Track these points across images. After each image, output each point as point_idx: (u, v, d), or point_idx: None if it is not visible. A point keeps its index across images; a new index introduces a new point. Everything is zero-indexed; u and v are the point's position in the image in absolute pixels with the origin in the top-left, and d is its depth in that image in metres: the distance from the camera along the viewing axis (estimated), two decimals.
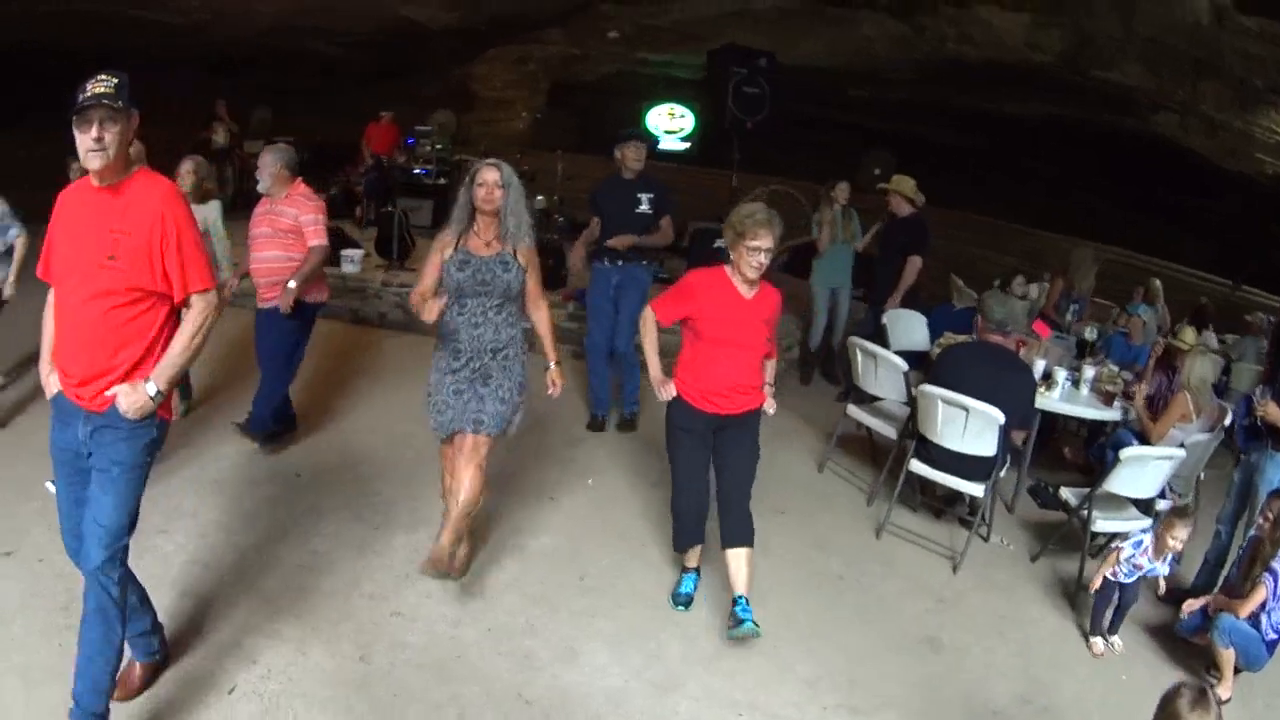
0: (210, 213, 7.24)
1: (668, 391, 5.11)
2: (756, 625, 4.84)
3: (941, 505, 6.67)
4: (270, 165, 6.57)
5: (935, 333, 7.99)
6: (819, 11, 13.51)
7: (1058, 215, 14.67)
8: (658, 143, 18.05)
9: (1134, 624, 5.57)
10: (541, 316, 5.14)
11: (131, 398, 3.58)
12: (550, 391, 5.15)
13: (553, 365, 5.16)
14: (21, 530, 5.33)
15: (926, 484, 6.32)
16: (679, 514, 5.26)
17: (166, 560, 4.28)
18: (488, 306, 4.91)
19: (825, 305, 9.39)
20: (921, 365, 7.19)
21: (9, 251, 7.04)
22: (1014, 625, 5.43)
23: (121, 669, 3.90)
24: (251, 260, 6.72)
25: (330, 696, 4.28)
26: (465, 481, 4.92)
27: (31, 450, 6.29)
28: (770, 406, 5.19)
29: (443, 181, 14.26)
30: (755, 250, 4.78)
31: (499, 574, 5.46)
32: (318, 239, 6.55)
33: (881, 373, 7.01)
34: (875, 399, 7.22)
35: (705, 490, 5.22)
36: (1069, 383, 6.94)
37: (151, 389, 3.61)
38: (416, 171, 14.77)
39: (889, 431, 6.79)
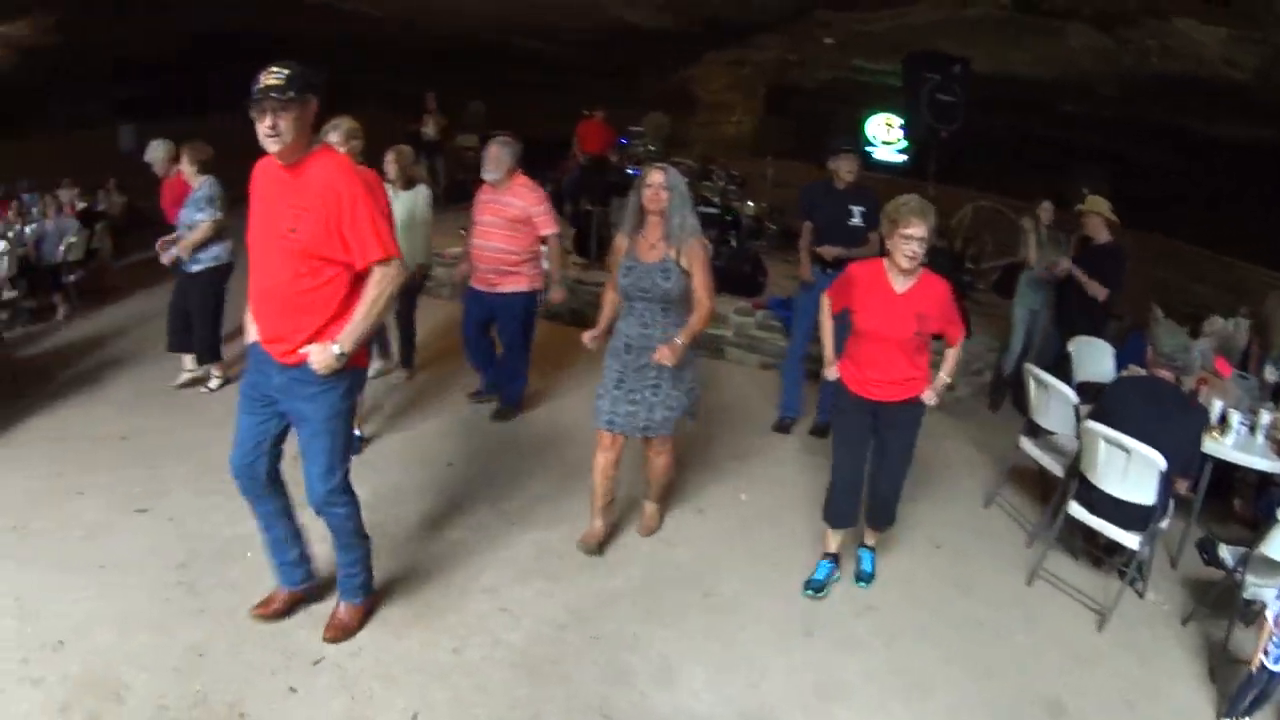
0: (417, 199, 7.83)
1: (831, 374, 5.43)
2: (870, 577, 5.61)
3: (1101, 553, 6.12)
4: (499, 157, 6.97)
5: (1123, 365, 7.40)
6: (1027, 22, 12.91)
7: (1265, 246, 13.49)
8: (871, 154, 17.67)
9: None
10: (698, 314, 5.24)
11: (320, 357, 3.98)
12: (658, 358, 5.14)
13: (678, 339, 5.14)
14: (163, 492, 5.95)
15: (1089, 529, 5.79)
16: (831, 486, 5.47)
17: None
18: (653, 310, 5.23)
19: (1024, 329, 8.85)
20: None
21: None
22: (1146, 696, 4.89)
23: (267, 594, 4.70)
24: (475, 247, 7.18)
25: (411, 681, 4.39)
26: (654, 466, 5.70)
27: (202, 420, 7.21)
28: (929, 397, 5.18)
29: None
30: (908, 239, 4.86)
31: (622, 581, 5.43)
32: (550, 228, 7.06)
33: (1053, 404, 6.49)
34: (1049, 431, 6.70)
35: (859, 470, 5.39)
36: (1244, 428, 6.23)
37: (337, 350, 3.99)
38: (629, 171, 14.66)
39: (1057, 468, 6.27)
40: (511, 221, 7.04)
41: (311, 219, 3.92)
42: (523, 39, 17.44)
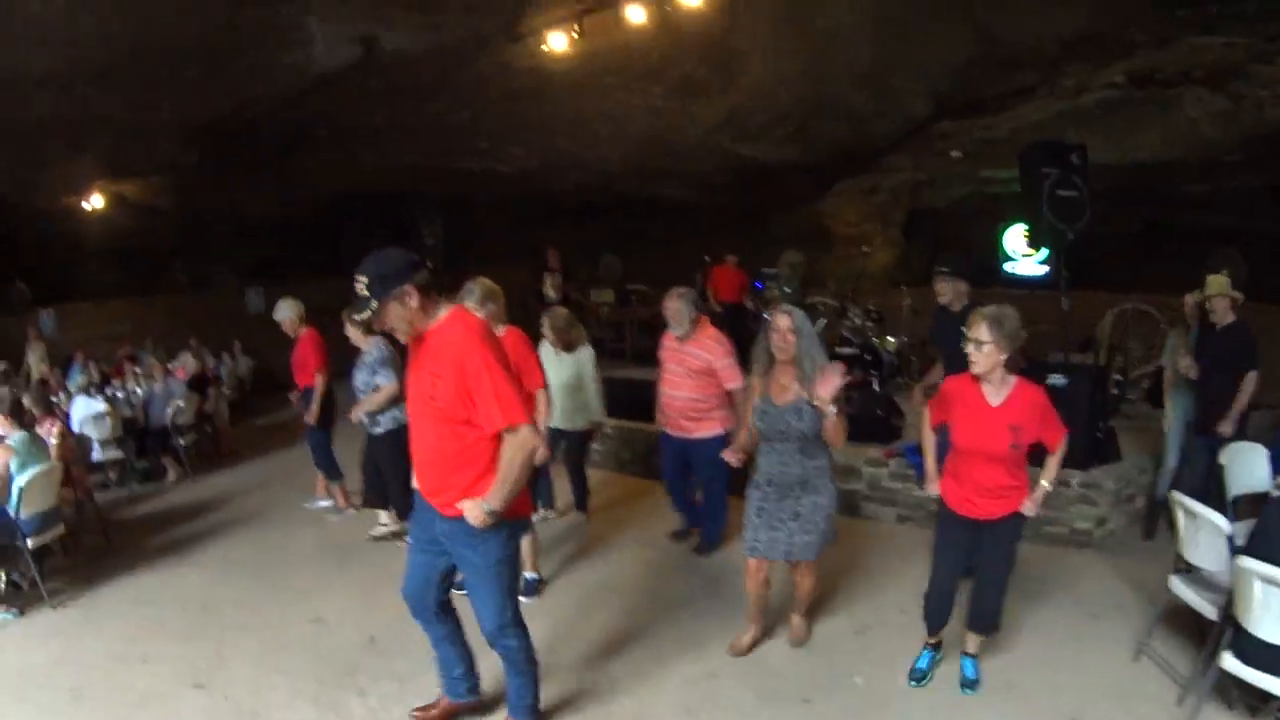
0: (581, 360, 8.10)
1: (931, 489, 5.41)
2: (974, 683, 5.39)
3: (1257, 701, 4.92)
4: (679, 311, 7.16)
5: (1278, 467, 6.31)
6: (1143, 97, 12.11)
7: None
8: (1009, 270, 16.68)
9: None
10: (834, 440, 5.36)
11: (474, 512, 4.22)
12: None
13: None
14: (225, 667, 5.99)
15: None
16: (925, 599, 5.47)
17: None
18: (790, 449, 5.43)
19: (1178, 444, 7.72)
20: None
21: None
22: None
23: (431, 701, 5.17)
24: (664, 395, 7.48)
25: None
26: (801, 586, 5.88)
27: (284, 594, 7.27)
28: (1029, 508, 5.08)
29: None
30: (968, 343, 4.88)
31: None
32: (734, 381, 7.09)
33: (1202, 535, 5.30)
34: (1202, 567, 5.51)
35: (954, 578, 5.37)
36: None
37: (487, 507, 4.20)
38: (765, 316, 14.01)
39: (1210, 611, 5.13)
40: (696, 373, 7.20)
41: (445, 386, 4.16)
42: (650, 185, 17.16)
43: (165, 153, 13.15)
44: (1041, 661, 5.68)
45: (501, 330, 6.34)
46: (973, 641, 5.46)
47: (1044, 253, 15.64)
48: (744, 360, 12.76)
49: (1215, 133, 12.54)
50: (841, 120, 13.88)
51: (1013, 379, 5.00)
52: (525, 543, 6.73)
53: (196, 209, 16.26)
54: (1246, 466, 6.44)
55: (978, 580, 5.32)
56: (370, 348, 7.96)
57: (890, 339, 11.97)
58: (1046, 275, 15.40)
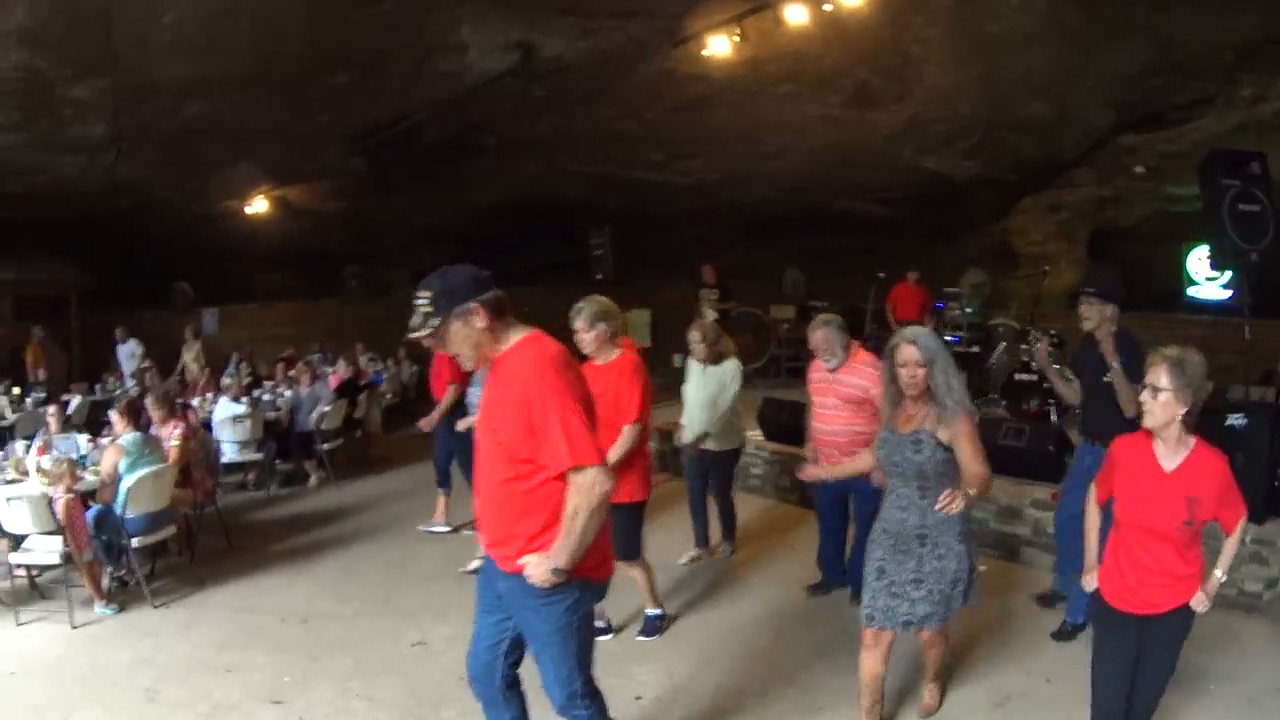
0: (725, 375, 7.80)
1: (1090, 583, 4.49)
2: None
3: None
4: (829, 340, 6.61)
5: None
6: None
7: None
8: (1192, 295, 15.76)
9: None
10: (975, 478, 4.55)
11: (537, 570, 3.71)
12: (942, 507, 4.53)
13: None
14: (309, 686, 5.83)
15: None
16: (1093, 706, 4.44)
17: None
18: (910, 489, 4.74)
19: None
20: None
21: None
22: None
23: None
24: (818, 433, 6.85)
25: None
26: (928, 652, 5.22)
27: (397, 613, 7.12)
28: (1200, 602, 4.09)
29: (975, 349, 12.95)
30: (1149, 389, 4.05)
31: None
32: None
33: None
34: None
35: (1116, 688, 4.31)
36: None
37: (551, 564, 3.70)
38: (947, 339, 13.53)
39: None
40: (850, 402, 6.60)
41: (511, 419, 3.76)
42: (833, 199, 16.93)
43: (327, 159, 13.44)
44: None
45: (615, 353, 6.12)
46: None
47: (1228, 276, 14.71)
48: None
49: None
50: (1022, 132, 13.52)
51: (1192, 440, 4.11)
52: (639, 575, 6.51)
53: (366, 215, 16.61)
54: None
55: (1134, 692, 4.32)
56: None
57: (1058, 367, 11.17)
58: (1230, 300, 14.48)
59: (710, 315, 13.75)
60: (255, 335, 16.69)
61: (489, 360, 3.91)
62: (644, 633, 6.62)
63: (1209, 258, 12.02)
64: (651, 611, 6.66)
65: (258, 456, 11.25)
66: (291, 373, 12.93)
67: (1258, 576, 6.91)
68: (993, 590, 6.92)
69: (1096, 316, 6.19)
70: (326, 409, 11.48)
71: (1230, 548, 4.19)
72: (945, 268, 15.59)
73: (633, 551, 6.34)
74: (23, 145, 11.31)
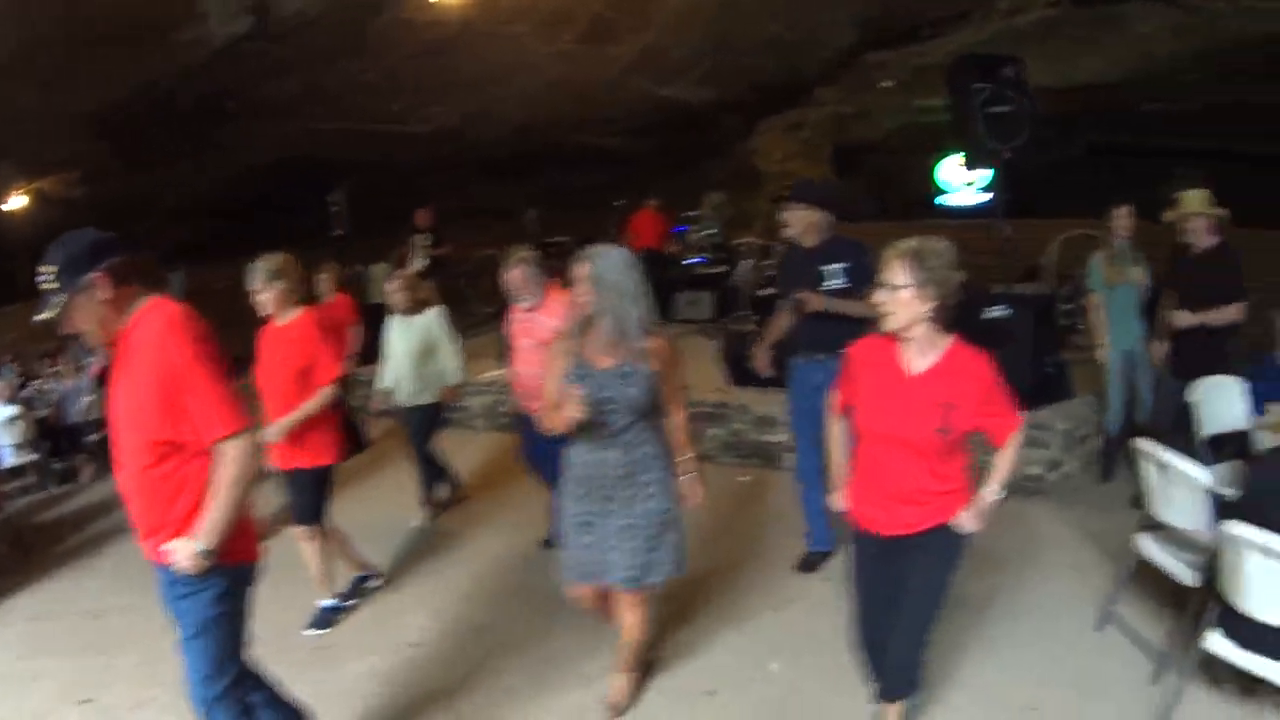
0: (430, 323, 7.55)
1: (838, 502, 4.10)
2: None
3: (1250, 682, 4.20)
4: (525, 279, 6.27)
5: (1259, 402, 5.76)
6: (1084, 16, 11.79)
7: None
8: (944, 202, 16.13)
9: None
10: (676, 420, 4.45)
11: (182, 555, 3.38)
12: (690, 502, 4.49)
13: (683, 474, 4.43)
14: (109, 682, 5.58)
15: None
16: (857, 649, 4.16)
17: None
18: (615, 427, 4.24)
19: (1120, 375, 7.11)
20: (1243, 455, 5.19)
21: None
22: None
23: None
24: (519, 376, 6.47)
25: None
26: (627, 626, 4.55)
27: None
28: (968, 520, 3.73)
29: (722, 269, 12.96)
30: (886, 287, 3.57)
31: None
32: None
33: (1175, 488, 4.58)
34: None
35: (877, 621, 3.99)
36: None
37: (196, 546, 3.37)
38: (690, 261, 13.62)
39: (1188, 576, 4.48)
40: (544, 344, 5.84)
41: (145, 396, 3.36)
42: (572, 134, 16.68)
43: (75, 143, 12.65)
44: (991, 639, 5.00)
45: (295, 312, 5.69)
46: (891, 711, 4.09)
47: (984, 180, 15.05)
48: (662, 310, 12.28)
49: (1166, 49, 12.20)
50: (762, 53, 13.50)
51: (945, 340, 3.65)
52: (311, 549, 5.92)
53: (119, 196, 15.57)
54: (1219, 403, 5.85)
55: (899, 610, 3.89)
56: None
57: None
58: (988, 204, 14.90)
59: (419, 262, 13.42)
60: (19, 336, 15.52)
61: (113, 336, 3.49)
62: (314, 625, 5.97)
63: (963, 159, 12.27)
64: (324, 602, 6.05)
65: (34, 457, 10.95)
66: (57, 367, 12.56)
67: (1038, 460, 7.13)
68: (752, 500, 7.22)
69: (799, 223, 5.75)
70: (90, 398, 11.27)
71: (1004, 462, 3.76)
72: (690, 193, 15.49)
73: (309, 517, 5.86)
74: None
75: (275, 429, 5.54)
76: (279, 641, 5.49)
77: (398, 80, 13.03)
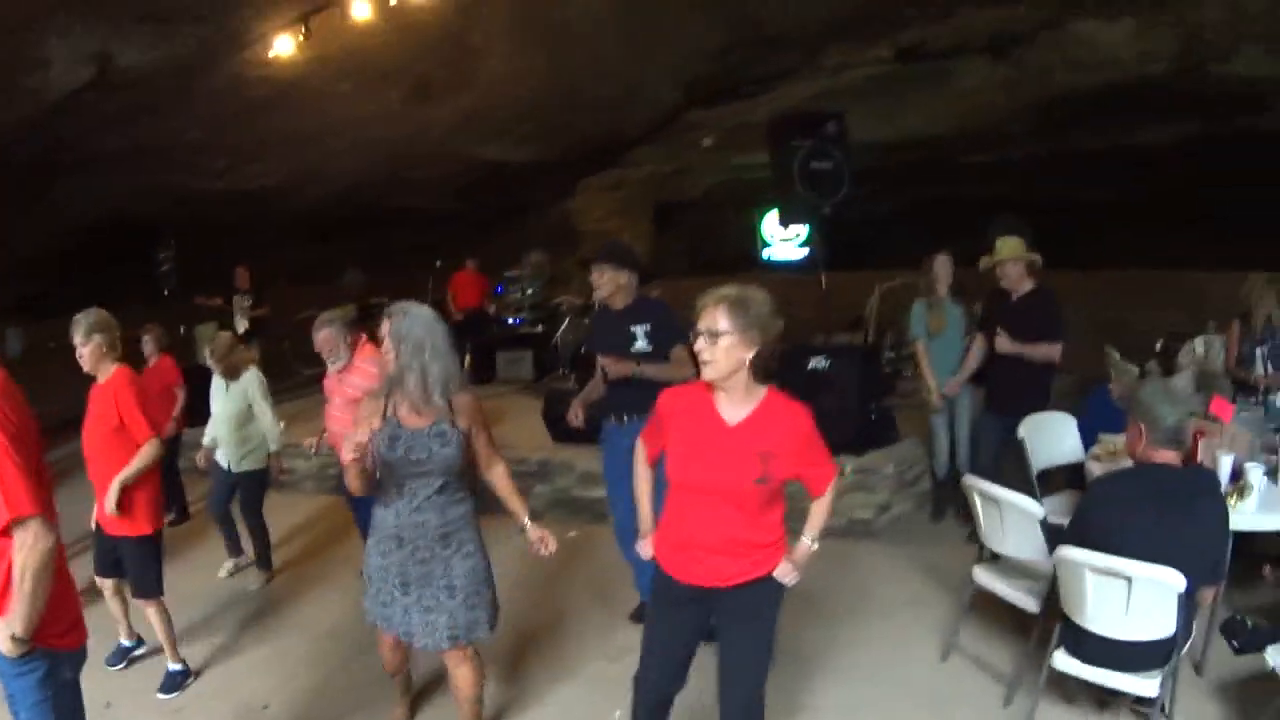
0: (247, 387, 7.35)
1: (645, 550, 3.94)
2: None
3: (1105, 694, 4.56)
4: (335, 338, 6.38)
5: (1089, 435, 6.07)
6: (911, 72, 12.13)
7: (1218, 252, 12.15)
8: (768, 256, 16.53)
9: None
10: (497, 474, 4.42)
11: None
12: (541, 552, 4.37)
13: (527, 524, 4.37)
14: None
15: None
16: (635, 692, 3.94)
17: None
18: (430, 488, 4.15)
19: (944, 420, 7.40)
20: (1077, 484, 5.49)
21: None
22: None
23: None
24: (329, 434, 6.62)
25: None
26: (459, 683, 4.43)
27: None
28: (786, 574, 3.63)
29: (540, 329, 13.04)
30: (700, 335, 3.46)
31: None
32: None
33: (1009, 521, 4.87)
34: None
35: (669, 672, 3.85)
36: (1266, 480, 4.83)
37: (9, 632, 3.15)
38: (509, 321, 13.77)
39: (1030, 603, 4.75)
40: (353, 403, 5.84)
41: None
42: (393, 194, 16.58)
43: None
44: (837, 676, 5.13)
45: (111, 369, 5.48)
46: None
47: (804, 235, 15.48)
48: (478, 370, 12.16)
49: (1001, 102, 12.68)
50: (585, 113, 13.61)
51: (761, 390, 3.58)
52: (156, 617, 5.77)
53: None
54: (1054, 437, 6.17)
55: (723, 683, 3.73)
56: None
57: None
58: (807, 259, 15.30)
59: (242, 325, 13.44)
60: None
61: None
62: (164, 689, 5.82)
63: (779, 214, 12.65)
64: (174, 666, 5.87)
65: None
66: None
67: (867, 504, 7.39)
68: (580, 555, 7.11)
69: (609, 284, 5.73)
70: None
71: (820, 510, 3.74)
72: (510, 252, 15.58)
73: (150, 589, 5.71)
74: None
75: (110, 499, 5.40)
76: (131, 702, 5.57)
77: (221, 138, 12.80)
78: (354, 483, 4.02)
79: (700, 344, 3.45)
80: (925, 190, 16.13)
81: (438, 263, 14.33)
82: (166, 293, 14.57)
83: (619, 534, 5.99)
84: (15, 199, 12.83)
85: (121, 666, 6.09)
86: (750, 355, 3.43)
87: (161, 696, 5.72)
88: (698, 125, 14.30)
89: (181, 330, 12.59)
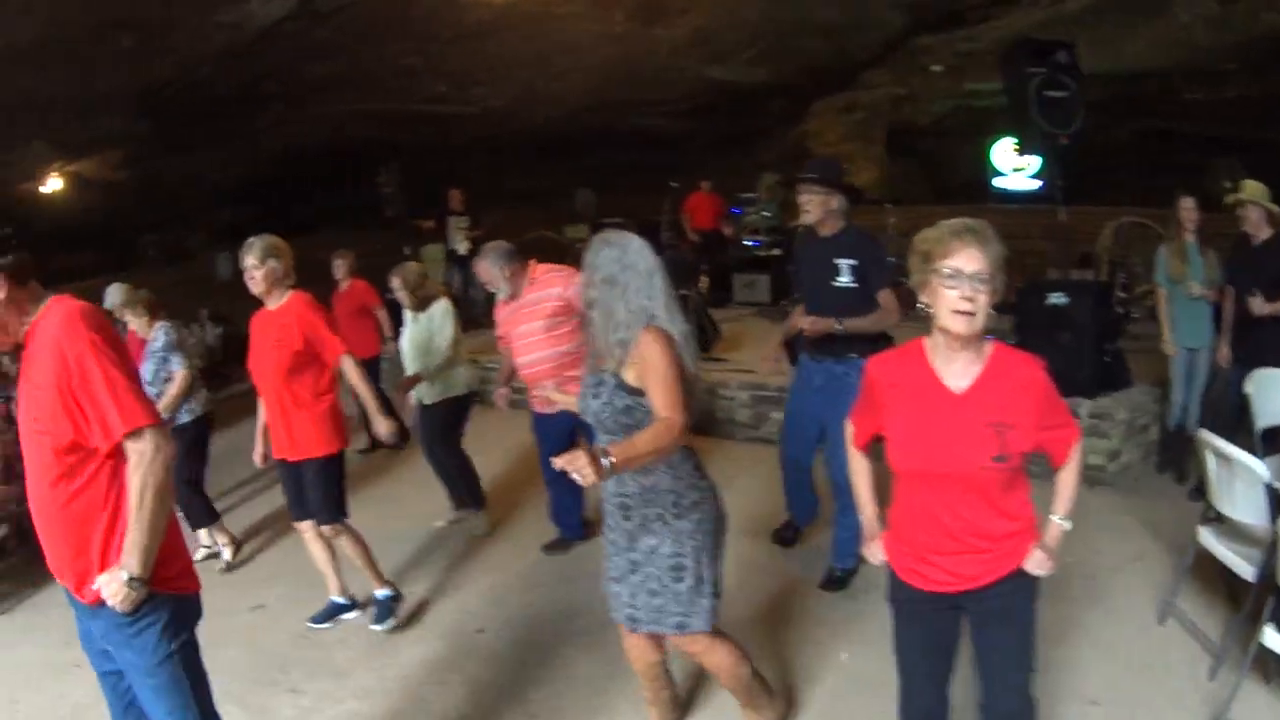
0: (434, 318, 7.09)
1: (872, 554, 3.33)
2: None
3: None
4: (488, 272, 6.11)
5: None
6: (1131, 3, 11.63)
7: None
8: (996, 185, 15.95)
9: None
10: (648, 434, 3.35)
11: (111, 589, 2.91)
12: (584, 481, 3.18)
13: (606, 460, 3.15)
14: None
15: None
16: None
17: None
18: (604, 443, 3.43)
19: (1183, 370, 6.96)
20: None
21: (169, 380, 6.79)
22: None
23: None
24: (519, 366, 6.12)
25: None
26: (711, 669, 3.94)
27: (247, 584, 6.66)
28: (1038, 564, 3.04)
29: (776, 252, 12.81)
30: (956, 276, 2.79)
31: None
32: None
33: (1238, 483, 4.49)
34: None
35: (933, 695, 3.26)
36: None
37: (124, 575, 2.90)
38: (746, 243, 13.60)
39: (1247, 571, 4.40)
40: (541, 320, 5.87)
41: (48, 398, 2.92)
42: (622, 116, 16.72)
43: (116, 125, 12.60)
44: (1058, 630, 4.82)
45: (287, 295, 5.36)
46: None
47: (1036, 166, 14.87)
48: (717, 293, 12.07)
49: (1208, 39, 11.97)
50: (814, 37, 13.40)
51: (987, 345, 2.98)
52: (349, 545, 5.61)
53: (159, 179, 15.74)
54: (1275, 395, 5.68)
55: (985, 692, 3.20)
56: (156, 333, 6.85)
57: None
58: (1040, 190, 14.62)
59: (463, 246, 13.28)
60: None
61: (18, 339, 3.14)
62: (377, 620, 5.67)
63: (1016, 145, 12.06)
64: (381, 592, 5.72)
65: None
66: None
67: (1099, 450, 7.01)
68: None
69: (818, 208, 5.26)
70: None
71: (1069, 481, 3.17)
72: (738, 175, 15.49)
73: (334, 511, 5.53)
74: None
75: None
76: (339, 630, 5.63)
77: (441, 63, 13.01)
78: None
79: (961, 291, 2.80)
80: (1143, 125, 15.24)
81: (673, 184, 14.20)
82: (390, 215, 14.90)
83: (784, 462, 5.91)
84: (223, 130, 13.36)
85: (328, 627, 5.76)
86: (989, 302, 2.85)
87: (376, 628, 5.60)
88: (925, 51, 13.98)
89: (405, 252, 12.83)
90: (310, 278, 6.51)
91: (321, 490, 5.47)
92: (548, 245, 14.49)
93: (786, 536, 6.24)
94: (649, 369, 3.39)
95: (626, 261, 3.47)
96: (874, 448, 3.35)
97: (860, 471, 3.44)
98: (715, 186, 14.92)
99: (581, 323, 3.80)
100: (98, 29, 9.37)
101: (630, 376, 3.45)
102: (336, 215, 17.21)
